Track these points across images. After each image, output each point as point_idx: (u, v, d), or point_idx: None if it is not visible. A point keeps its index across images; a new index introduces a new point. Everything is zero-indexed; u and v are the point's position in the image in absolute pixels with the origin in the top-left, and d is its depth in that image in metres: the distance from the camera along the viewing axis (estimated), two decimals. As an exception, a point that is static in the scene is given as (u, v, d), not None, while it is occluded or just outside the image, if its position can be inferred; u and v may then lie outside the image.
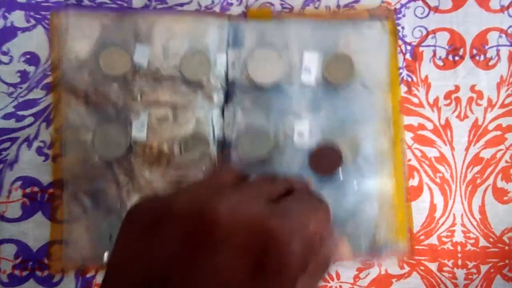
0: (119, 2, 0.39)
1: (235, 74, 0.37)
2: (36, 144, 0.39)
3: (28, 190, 0.38)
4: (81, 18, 0.39)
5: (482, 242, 0.36)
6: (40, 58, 0.40)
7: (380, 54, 0.37)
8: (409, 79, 0.38)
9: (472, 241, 0.36)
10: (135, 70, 0.37)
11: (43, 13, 0.40)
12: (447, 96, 0.37)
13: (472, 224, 0.36)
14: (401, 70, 0.38)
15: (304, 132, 0.36)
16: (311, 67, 0.37)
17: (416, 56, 0.38)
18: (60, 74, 0.38)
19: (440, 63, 0.38)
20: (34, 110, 0.39)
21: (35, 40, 0.39)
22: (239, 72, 0.37)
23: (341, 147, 0.35)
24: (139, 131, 0.37)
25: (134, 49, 0.37)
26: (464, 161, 0.37)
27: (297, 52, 0.37)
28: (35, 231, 0.38)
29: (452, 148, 0.37)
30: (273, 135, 0.36)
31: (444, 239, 0.36)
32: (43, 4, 0.40)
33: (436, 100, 0.37)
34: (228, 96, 0.38)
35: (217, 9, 0.39)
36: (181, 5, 0.39)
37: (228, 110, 0.37)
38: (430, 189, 0.36)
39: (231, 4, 0.39)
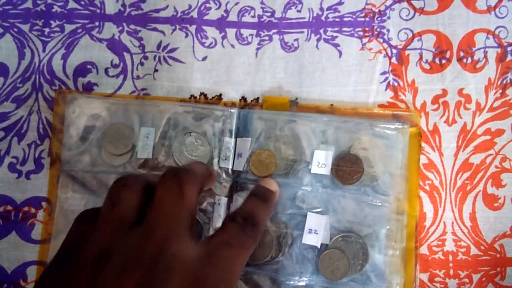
0: (91, 8, 0.38)
1: (240, 164, 0.36)
2: (7, 160, 0.37)
3: (1, 209, 0.36)
4: (87, 101, 0.37)
5: (474, 251, 0.35)
6: (9, 69, 0.38)
7: (397, 160, 0.35)
8: (395, 84, 0.37)
9: (463, 249, 0.35)
10: (138, 159, 0.36)
11: (11, 21, 0.38)
12: (435, 100, 0.36)
13: (463, 232, 0.35)
14: (387, 75, 0.37)
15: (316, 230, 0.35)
16: (320, 164, 0.35)
17: (402, 59, 0.37)
18: (61, 153, 0.37)
19: (427, 66, 0.37)
20: (4, 124, 0.37)
21: (3, 50, 0.38)
22: (244, 164, 0.36)
23: (347, 253, 0.34)
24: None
25: (138, 136, 0.36)
26: (453, 167, 0.36)
27: (307, 147, 0.35)
28: (10, 252, 0.36)
29: (441, 154, 0.36)
30: (276, 237, 0.35)
31: (435, 249, 0.35)
32: (10, 11, 0.38)
33: (424, 104, 0.36)
34: (233, 186, 0.37)
35: (194, 14, 0.37)
36: (157, 11, 0.38)
37: (234, 202, 0.36)
38: (419, 197, 0.35)
39: (210, 8, 0.37)
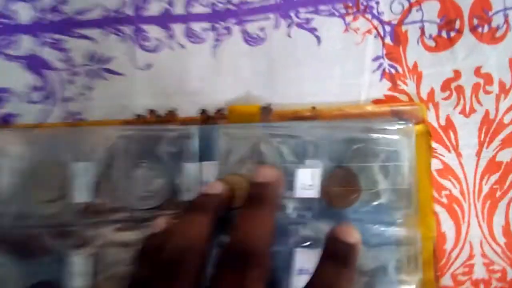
0: (4, 21, 0.30)
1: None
2: None
3: None
4: (3, 138, 0.30)
5: (511, 274, 0.28)
6: None
7: (403, 170, 0.29)
8: (392, 71, 0.29)
9: (497, 274, 0.28)
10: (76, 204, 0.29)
11: None
12: (445, 86, 0.29)
13: (495, 252, 0.28)
14: (380, 60, 0.29)
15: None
16: (306, 186, 0.29)
17: (398, 38, 0.29)
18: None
19: (431, 43, 0.29)
20: None
21: None
22: None
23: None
24: None
25: (73, 174, 0.29)
26: (476, 170, 0.29)
27: (288, 166, 0.29)
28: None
29: (459, 155, 0.29)
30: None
31: (461, 278, 0.28)
32: None
33: (431, 93, 0.29)
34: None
35: (129, 11, 0.30)
36: (82, 13, 0.30)
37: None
38: (435, 213, 0.28)
39: (148, 1, 0.30)
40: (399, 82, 0.30)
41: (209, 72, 0.31)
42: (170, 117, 0.31)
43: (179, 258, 0.24)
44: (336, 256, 0.24)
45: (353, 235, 0.26)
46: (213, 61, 0.31)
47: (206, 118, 0.31)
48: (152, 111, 0.31)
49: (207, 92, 0.31)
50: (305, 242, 0.29)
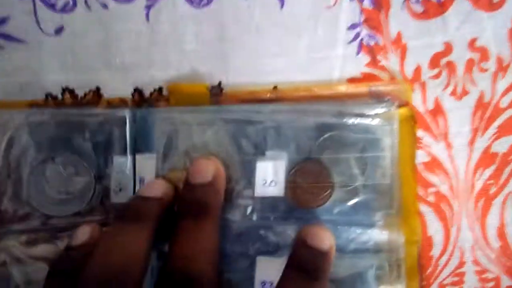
0: None
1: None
2: None
3: None
4: None
5: (506, 282, 0.24)
6: None
7: (384, 162, 0.24)
8: (372, 42, 0.24)
9: (491, 283, 0.25)
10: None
11: None
12: (434, 62, 0.24)
13: (488, 258, 0.24)
14: (357, 29, 0.24)
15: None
16: (268, 183, 0.24)
17: (379, 1, 0.24)
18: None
19: (419, 8, 0.24)
20: None
21: None
22: None
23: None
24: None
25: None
26: (468, 162, 0.24)
27: (244, 159, 0.24)
28: None
29: (449, 145, 0.24)
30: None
31: None
32: None
33: (417, 71, 0.24)
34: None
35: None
36: None
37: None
38: (419, 214, 0.24)
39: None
40: (379, 57, 0.25)
41: (142, 41, 0.24)
42: (93, 98, 0.24)
43: (107, 285, 0.18)
44: (305, 265, 0.20)
45: (325, 239, 0.21)
46: (147, 27, 0.24)
47: (140, 100, 0.25)
48: (68, 90, 0.24)
49: (140, 67, 0.24)
50: (268, 250, 0.24)
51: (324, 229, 0.21)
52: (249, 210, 0.24)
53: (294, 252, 0.21)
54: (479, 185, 0.25)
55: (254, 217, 0.24)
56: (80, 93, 0.24)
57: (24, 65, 0.24)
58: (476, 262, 0.25)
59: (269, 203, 0.24)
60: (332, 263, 0.21)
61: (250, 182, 0.24)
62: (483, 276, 0.25)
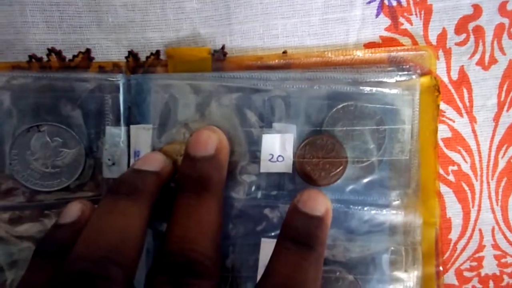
0: None
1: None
2: None
3: None
4: None
5: None
6: None
7: (402, 137, 0.22)
8: (393, 3, 0.22)
9: (510, 269, 0.23)
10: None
11: None
12: (461, 26, 0.22)
13: (509, 241, 0.23)
14: None
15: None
16: (275, 158, 0.22)
17: None
18: None
19: None
20: None
21: None
22: None
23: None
24: None
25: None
26: (492, 139, 0.23)
27: (250, 131, 0.22)
28: None
29: (472, 120, 0.22)
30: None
31: (467, 274, 0.23)
32: None
33: (443, 36, 0.22)
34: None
35: None
36: None
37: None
38: (439, 194, 0.22)
39: None
40: (401, 20, 0.23)
41: (139, -2, 0.22)
42: (82, 61, 0.22)
43: (99, 268, 0.16)
44: (297, 234, 0.18)
45: (318, 203, 0.19)
46: (145, -17, 0.22)
47: (136, 65, 0.23)
48: (54, 51, 0.22)
49: (136, 28, 0.22)
50: (274, 231, 0.23)
51: (317, 193, 0.19)
52: (253, 187, 0.23)
53: (286, 220, 0.19)
54: (502, 164, 0.23)
55: (259, 195, 0.23)
56: (68, 55, 0.22)
57: (5, 23, 0.21)
58: (495, 247, 0.24)
59: (275, 180, 0.23)
60: (327, 230, 0.19)
61: (255, 156, 0.23)
62: (503, 261, 0.24)
